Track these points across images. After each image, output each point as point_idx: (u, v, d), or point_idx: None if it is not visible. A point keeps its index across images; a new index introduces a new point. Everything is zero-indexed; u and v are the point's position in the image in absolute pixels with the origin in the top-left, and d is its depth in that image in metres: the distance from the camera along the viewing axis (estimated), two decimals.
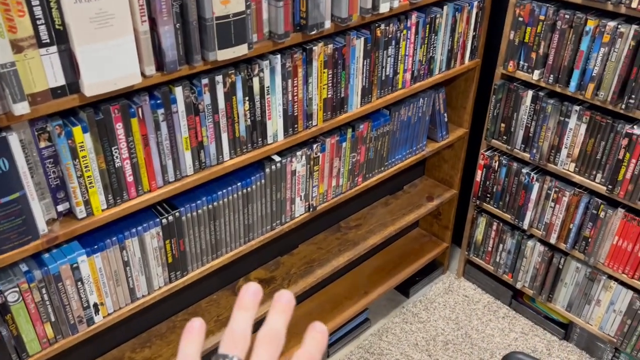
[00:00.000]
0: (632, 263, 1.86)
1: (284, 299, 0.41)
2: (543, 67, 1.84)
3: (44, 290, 1.18)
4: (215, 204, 1.41)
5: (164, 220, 1.33)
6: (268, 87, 1.37)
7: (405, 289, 2.40)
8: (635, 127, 1.71)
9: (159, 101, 1.19)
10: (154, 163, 1.24)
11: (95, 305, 1.29)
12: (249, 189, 1.47)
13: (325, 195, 1.73)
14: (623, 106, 1.69)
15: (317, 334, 0.40)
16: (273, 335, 0.39)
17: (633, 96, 1.66)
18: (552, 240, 2.05)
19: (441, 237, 2.48)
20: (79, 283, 1.24)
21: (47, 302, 1.20)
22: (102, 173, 1.18)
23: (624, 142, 1.72)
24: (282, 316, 0.40)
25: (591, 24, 1.66)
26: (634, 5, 1.56)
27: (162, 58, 1.13)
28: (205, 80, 1.24)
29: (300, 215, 1.68)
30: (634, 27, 1.58)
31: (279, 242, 1.92)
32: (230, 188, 1.43)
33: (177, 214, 1.35)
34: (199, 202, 1.37)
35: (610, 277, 1.97)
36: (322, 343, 0.40)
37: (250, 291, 0.41)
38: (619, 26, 1.61)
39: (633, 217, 1.80)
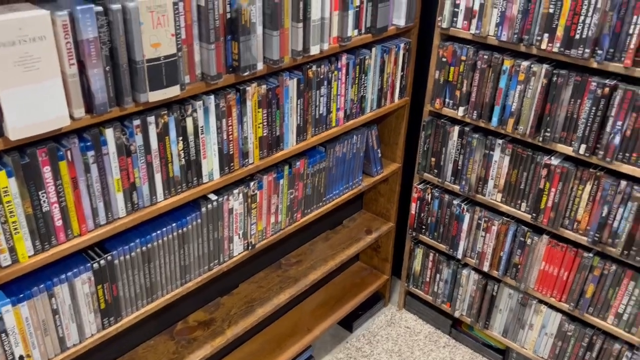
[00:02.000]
0: (559, 287, 1.96)
1: None
2: (467, 104, 1.95)
3: None
4: (149, 245, 1.39)
5: (96, 265, 1.29)
6: (202, 127, 1.39)
7: (348, 323, 2.41)
8: (552, 158, 1.83)
9: (88, 143, 1.17)
10: (84, 206, 1.22)
11: (21, 357, 1.22)
12: (184, 229, 1.46)
13: (264, 233, 1.74)
14: (540, 139, 1.81)
15: None
16: None
17: (549, 129, 1.78)
18: (485, 268, 2.13)
19: (381, 270, 2.53)
20: (3, 335, 1.17)
21: None
22: (29, 218, 1.14)
23: (544, 172, 1.84)
24: None
25: (507, 63, 1.79)
26: (543, 47, 1.69)
27: (91, 100, 1.13)
28: (137, 122, 1.24)
29: (239, 253, 1.68)
30: (545, 66, 1.72)
31: (218, 282, 1.90)
32: (165, 229, 1.41)
33: (109, 257, 1.31)
34: (132, 244, 1.35)
35: (541, 301, 2.06)
36: None
37: None
38: (532, 66, 1.74)
39: (557, 242, 1.91)
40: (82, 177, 1.19)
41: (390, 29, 1.86)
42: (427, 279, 2.38)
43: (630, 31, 1.52)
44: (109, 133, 1.20)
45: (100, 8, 1.07)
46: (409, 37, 1.99)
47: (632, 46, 1.53)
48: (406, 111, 2.13)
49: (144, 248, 1.38)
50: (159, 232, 1.40)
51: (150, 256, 1.40)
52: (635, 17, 1.50)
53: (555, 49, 1.67)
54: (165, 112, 1.29)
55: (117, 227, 1.29)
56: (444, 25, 1.90)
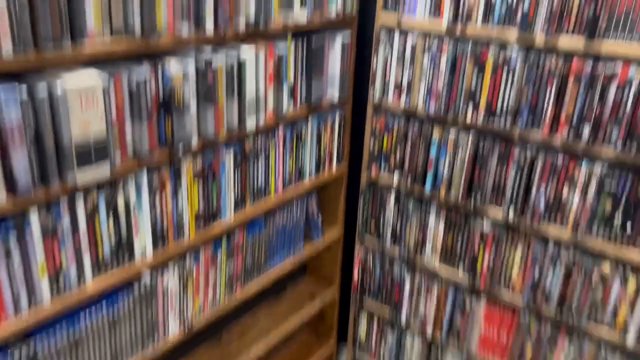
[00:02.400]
0: (500, 349, 1.99)
1: None
2: (401, 171, 2.02)
3: None
4: (77, 328, 1.32)
5: (16, 353, 1.21)
6: (134, 204, 1.36)
7: None
8: (484, 222, 1.90)
9: (10, 227, 1.13)
10: (4, 293, 1.16)
11: None
12: (115, 310, 1.40)
13: (201, 309, 1.69)
14: (472, 203, 1.88)
15: None
16: None
17: (479, 194, 1.86)
18: (428, 332, 2.14)
19: (327, 336, 2.49)
20: None
21: None
22: None
23: (477, 236, 1.90)
24: None
25: (436, 134, 1.88)
26: (467, 119, 1.79)
27: (14, 183, 1.10)
28: (64, 203, 1.21)
29: (175, 333, 1.62)
30: (471, 137, 1.81)
31: None
32: (94, 311, 1.35)
33: (31, 343, 1.24)
34: (57, 327, 1.28)
35: None
36: None
37: None
38: (459, 136, 1.83)
39: (494, 305, 1.95)
40: (2, 262, 1.13)
41: (324, 101, 1.92)
42: (373, 345, 2.36)
43: (545, 104, 1.64)
44: (34, 216, 1.16)
45: (24, 93, 1.06)
46: (343, 109, 2.06)
47: (547, 117, 1.65)
48: (345, 178, 2.18)
49: (70, 332, 1.31)
50: (87, 313, 1.34)
51: (77, 341, 1.33)
52: (548, 89, 1.62)
53: (479, 121, 1.77)
54: (95, 191, 1.26)
55: (41, 314, 1.22)
56: (376, 99, 1.98)
